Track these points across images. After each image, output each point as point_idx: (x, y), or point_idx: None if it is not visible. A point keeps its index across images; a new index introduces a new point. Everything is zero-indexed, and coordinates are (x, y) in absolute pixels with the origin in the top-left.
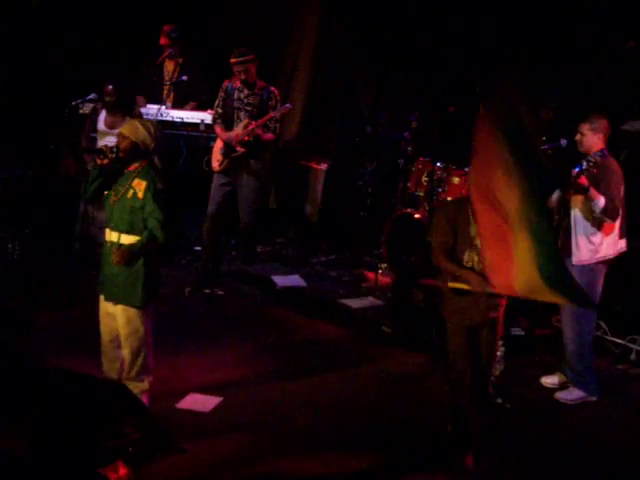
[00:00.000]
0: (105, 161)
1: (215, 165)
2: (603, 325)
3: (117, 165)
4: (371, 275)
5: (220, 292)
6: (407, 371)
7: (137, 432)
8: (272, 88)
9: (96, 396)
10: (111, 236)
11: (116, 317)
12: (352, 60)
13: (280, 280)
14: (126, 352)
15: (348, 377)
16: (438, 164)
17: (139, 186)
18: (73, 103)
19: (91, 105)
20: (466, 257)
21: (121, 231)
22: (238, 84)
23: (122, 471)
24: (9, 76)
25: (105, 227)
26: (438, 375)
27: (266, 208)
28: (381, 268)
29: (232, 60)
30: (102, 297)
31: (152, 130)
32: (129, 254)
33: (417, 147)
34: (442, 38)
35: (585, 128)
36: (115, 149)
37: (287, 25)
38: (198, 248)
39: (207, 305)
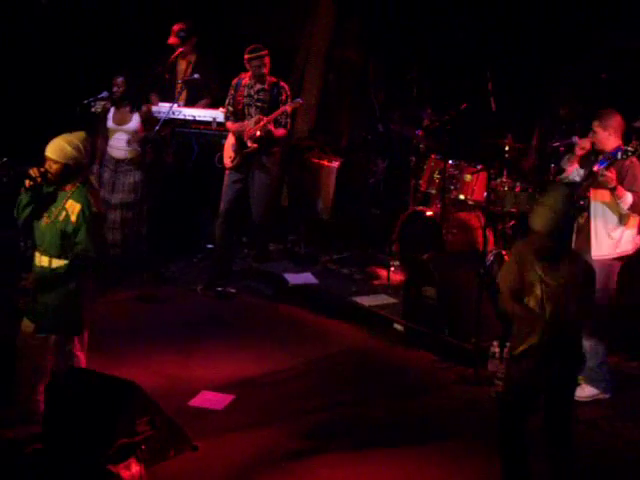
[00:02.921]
0: (33, 185)
1: (227, 162)
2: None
3: (50, 188)
4: (383, 273)
5: (232, 290)
6: (419, 368)
7: (150, 430)
8: (282, 83)
9: (109, 394)
10: (41, 261)
11: (44, 347)
12: (364, 57)
13: (292, 278)
14: None
15: (361, 375)
16: (450, 161)
17: (72, 209)
18: (84, 101)
19: (102, 103)
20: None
21: (52, 255)
22: (247, 80)
23: (135, 469)
24: (21, 74)
25: (36, 250)
26: (450, 373)
27: (278, 206)
28: (393, 265)
29: (247, 56)
30: (29, 325)
31: (81, 146)
32: (36, 284)
33: (429, 144)
34: (454, 35)
35: (595, 125)
36: (43, 173)
37: (300, 22)
38: (210, 246)
39: (219, 303)
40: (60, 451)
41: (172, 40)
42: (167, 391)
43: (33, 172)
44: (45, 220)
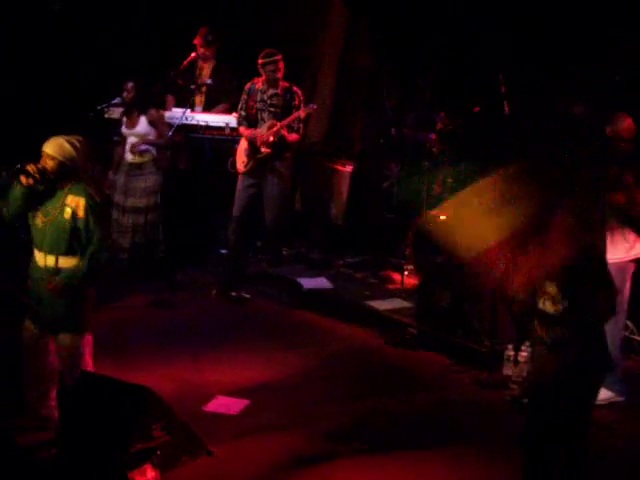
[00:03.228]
0: (31, 181)
1: (240, 167)
2: (631, 325)
3: (43, 185)
4: (397, 277)
5: (246, 294)
6: (434, 372)
7: (165, 435)
8: (295, 88)
9: (124, 399)
10: (47, 261)
11: (56, 348)
12: (376, 62)
13: (306, 282)
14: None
15: (375, 379)
16: (463, 165)
17: (77, 203)
18: (98, 107)
19: (119, 110)
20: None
21: (59, 254)
22: (260, 85)
23: (150, 474)
24: (33, 80)
25: (37, 251)
26: (465, 376)
27: (292, 210)
28: (407, 269)
29: (261, 61)
30: (33, 328)
31: (79, 147)
32: (66, 287)
33: (442, 148)
34: (467, 38)
35: (608, 131)
36: (41, 170)
37: (312, 28)
38: (224, 251)
39: (233, 307)
40: (75, 457)
41: (197, 41)
42: (181, 396)
43: (31, 169)
44: (41, 219)
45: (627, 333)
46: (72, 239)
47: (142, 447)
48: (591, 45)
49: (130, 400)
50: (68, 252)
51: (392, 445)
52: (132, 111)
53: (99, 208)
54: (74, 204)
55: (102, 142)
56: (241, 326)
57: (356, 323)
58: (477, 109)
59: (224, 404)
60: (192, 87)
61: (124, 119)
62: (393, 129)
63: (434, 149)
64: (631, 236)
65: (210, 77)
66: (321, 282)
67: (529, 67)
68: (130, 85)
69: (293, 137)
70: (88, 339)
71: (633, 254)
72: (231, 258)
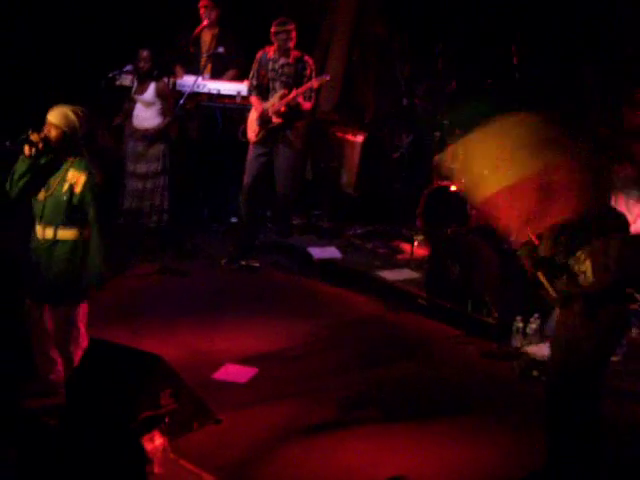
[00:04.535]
0: (34, 151)
1: (251, 136)
2: (638, 297)
3: (46, 157)
4: (407, 247)
5: (256, 263)
6: (442, 343)
7: (173, 403)
8: (307, 58)
9: (133, 367)
10: (45, 233)
11: (55, 320)
12: (389, 31)
13: (316, 252)
14: (65, 352)
15: (384, 349)
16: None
17: (76, 179)
18: (110, 75)
19: (129, 77)
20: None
21: (57, 225)
22: (272, 54)
23: (158, 441)
24: (47, 47)
25: (37, 223)
26: (473, 347)
27: (302, 180)
28: (417, 240)
29: (274, 29)
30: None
31: (82, 117)
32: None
33: (453, 119)
34: (479, 8)
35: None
36: (45, 139)
37: None
38: (234, 219)
39: (243, 276)
40: (84, 423)
41: (203, 2)
42: (190, 364)
43: (34, 137)
44: (42, 193)
45: (637, 306)
46: (69, 213)
47: (151, 414)
48: (602, 19)
49: (139, 367)
50: (66, 224)
51: (398, 415)
52: (145, 80)
53: (97, 188)
54: (74, 180)
55: (113, 110)
56: (251, 295)
57: (365, 293)
58: (489, 82)
59: (233, 372)
60: (205, 55)
61: (135, 83)
62: (405, 99)
63: (445, 120)
64: (635, 209)
65: (215, 44)
66: (331, 251)
67: (543, 37)
68: (145, 54)
69: (307, 105)
70: (83, 310)
71: (632, 228)
72: (241, 227)
